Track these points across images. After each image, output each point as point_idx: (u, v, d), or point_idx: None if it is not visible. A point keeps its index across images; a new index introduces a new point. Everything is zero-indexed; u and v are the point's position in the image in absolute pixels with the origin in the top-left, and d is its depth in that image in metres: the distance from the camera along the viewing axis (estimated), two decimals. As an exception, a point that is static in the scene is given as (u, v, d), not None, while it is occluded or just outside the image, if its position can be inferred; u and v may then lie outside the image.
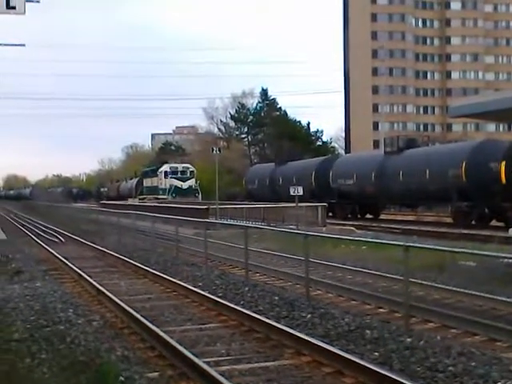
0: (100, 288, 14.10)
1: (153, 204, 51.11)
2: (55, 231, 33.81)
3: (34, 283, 15.95)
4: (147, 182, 72.78)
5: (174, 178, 64.64)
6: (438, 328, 10.29)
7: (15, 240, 30.22)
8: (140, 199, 68.49)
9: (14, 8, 12.85)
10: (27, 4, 13.56)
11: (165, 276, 15.68)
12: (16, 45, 18.86)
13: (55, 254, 22.02)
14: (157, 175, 68.13)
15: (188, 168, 66.60)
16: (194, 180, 64.79)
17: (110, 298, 12.79)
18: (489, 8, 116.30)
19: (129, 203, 59.30)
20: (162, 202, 52.29)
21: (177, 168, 66.68)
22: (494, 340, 9.47)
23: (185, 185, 64.06)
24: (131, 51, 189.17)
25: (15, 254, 23.09)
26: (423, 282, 13.18)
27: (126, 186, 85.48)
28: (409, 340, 9.09)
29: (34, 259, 21.67)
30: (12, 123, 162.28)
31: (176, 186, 63.56)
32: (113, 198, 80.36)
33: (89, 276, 16.08)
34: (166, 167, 67.33)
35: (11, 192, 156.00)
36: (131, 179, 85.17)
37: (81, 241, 27.43)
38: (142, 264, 18.28)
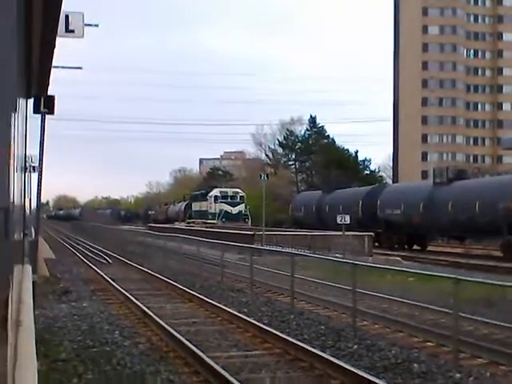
0: (146, 310, 14.20)
1: (199, 228, 51.24)
2: (103, 252, 34.21)
3: (81, 303, 16.16)
4: (196, 206, 72.36)
5: (224, 203, 63.96)
6: (487, 364, 10.04)
7: (64, 260, 30.69)
8: (188, 223, 68.08)
9: (72, 32, 13.11)
10: (86, 28, 13.86)
11: (210, 301, 15.71)
12: (73, 67, 19.26)
13: (102, 274, 22.28)
14: (206, 199, 67.49)
15: (238, 193, 65.88)
16: (243, 205, 63.95)
17: (156, 321, 12.85)
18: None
19: (176, 226, 59.62)
20: (209, 227, 52.23)
21: (227, 193, 66.13)
22: (546, 379, 9.22)
23: (235, 210, 63.33)
24: (183, 75, 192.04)
25: (64, 274, 23.47)
26: (472, 317, 12.92)
27: (174, 209, 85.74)
28: (458, 375, 8.91)
29: (82, 279, 21.97)
30: (64, 144, 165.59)
31: (226, 211, 62.86)
32: (161, 222, 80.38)
33: (135, 298, 16.21)
34: (216, 191, 66.75)
35: (61, 212, 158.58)
36: (179, 203, 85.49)
37: (128, 262, 27.69)
38: (188, 288, 18.36)
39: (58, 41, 9.55)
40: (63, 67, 16.20)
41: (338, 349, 10.77)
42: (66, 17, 12.26)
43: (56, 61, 10.44)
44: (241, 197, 65.20)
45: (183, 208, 79.16)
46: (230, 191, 66.87)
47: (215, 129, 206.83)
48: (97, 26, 14.14)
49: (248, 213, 62.56)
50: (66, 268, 26.10)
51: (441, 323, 12.88)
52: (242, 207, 63.74)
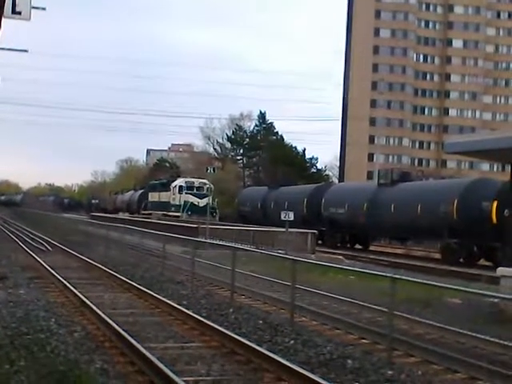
0: (84, 299, 14.04)
1: (141, 219, 50.04)
2: (43, 239, 33.66)
3: (17, 290, 15.87)
4: (154, 197, 66.72)
5: (190, 194, 58.28)
6: (419, 362, 10.24)
7: (2, 245, 30.08)
8: (144, 215, 62.72)
9: (19, 13, 12.85)
10: (33, 10, 13.57)
11: (149, 292, 15.61)
12: (19, 50, 18.86)
13: (41, 262, 21.93)
14: (168, 190, 61.91)
15: (205, 184, 57.77)
16: (211, 198, 54.59)
17: (93, 310, 12.72)
18: (490, 48, 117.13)
19: (119, 217, 58.08)
20: (162, 219, 49.67)
21: (193, 183, 59.99)
22: (475, 379, 9.43)
23: (202, 202, 55.89)
24: (134, 65, 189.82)
25: (1, 260, 23.00)
26: (408, 316, 13.14)
27: (123, 198, 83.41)
28: (390, 372, 9.05)
29: (20, 266, 21.57)
30: (8, 128, 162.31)
31: (192, 203, 57.11)
32: (109, 212, 77.33)
33: (73, 286, 16.01)
34: (180, 181, 61.18)
35: (2, 198, 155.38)
36: (128, 192, 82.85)
37: (68, 251, 27.30)
38: (128, 278, 18.20)
39: (4, 22, 9.34)
40: (8, 49, 15.87)
41: (275, 343, 10.82)
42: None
43: (1, 43, 10.24)
44: (207, 188, 56.54)
45: (137, 198, 74.62)
46: (196, 182, 60.09)
47: (164, 120, 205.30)
48: (44, 9, 13.86)
49: (216, 206, 57.14)
50: (3, 254, 25.57)
51: (377, 321, 13.07)
52: (209, 200, 54.92)
